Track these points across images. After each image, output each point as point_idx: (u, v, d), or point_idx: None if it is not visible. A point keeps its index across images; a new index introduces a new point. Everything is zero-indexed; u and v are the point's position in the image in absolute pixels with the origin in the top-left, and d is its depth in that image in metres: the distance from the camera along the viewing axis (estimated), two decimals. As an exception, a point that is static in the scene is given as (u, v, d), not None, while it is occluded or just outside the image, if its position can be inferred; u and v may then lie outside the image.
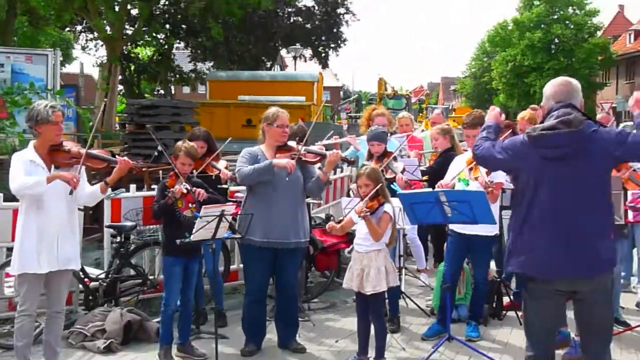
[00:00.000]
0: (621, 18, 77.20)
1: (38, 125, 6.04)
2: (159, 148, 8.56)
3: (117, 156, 6.66)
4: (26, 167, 5.97)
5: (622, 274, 8.96)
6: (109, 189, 6.48)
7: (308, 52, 39.32)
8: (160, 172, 7.77)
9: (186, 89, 44.34)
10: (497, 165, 5.34)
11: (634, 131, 4.89)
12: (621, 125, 31.93)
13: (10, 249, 6.86)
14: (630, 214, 7.43)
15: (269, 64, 39.12)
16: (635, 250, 9.11)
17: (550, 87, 5.00)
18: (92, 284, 7.72)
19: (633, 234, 8.61)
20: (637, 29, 67.97)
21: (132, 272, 8.01)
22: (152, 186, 7.74)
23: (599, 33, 62.90)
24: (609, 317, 5.14)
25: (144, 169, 7.08)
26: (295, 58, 38.07)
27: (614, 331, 7.31)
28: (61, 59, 20.67)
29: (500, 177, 6.97)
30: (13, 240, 6.46)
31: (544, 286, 4.77)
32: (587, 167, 4.71)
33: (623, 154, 4.83)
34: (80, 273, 7.55)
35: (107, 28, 25.53)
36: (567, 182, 4.69)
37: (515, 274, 6.21)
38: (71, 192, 5.92)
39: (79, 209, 6.88)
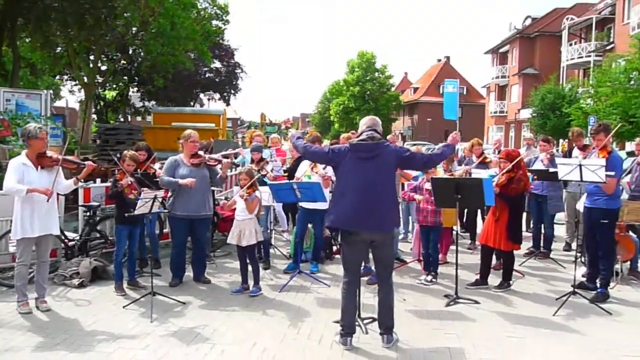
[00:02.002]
0: (406, 80, 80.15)
1: (29, 139, 5.68)
2: (118, 155, 8.24)
3: (90, 161, 6.34)
4: (19, 169, 5.57)
5: (402, 230, 9.34)
6: (80, 182, 6.12)
7: (217, 96, 38.47)
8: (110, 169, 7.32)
9: (138, 118, 42.47)
10: (323, 159, 5.26)
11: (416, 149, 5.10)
12: (405, 144, 33.23)
13: (11, 221, 6.38)
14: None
15: (192, 103, 38.19)
16: (410, 217, 9.46)
17: (363, 120, 5.14)
18: (70, 243, 7.32)
19: (408, 207, 8.96)
20: (415, 86, 70.99)
21: (98, 235, 7.64)
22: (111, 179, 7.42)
23: (393, 88, 64.78)
24: (392, 255, 5.27)
25: (102, 168, 6.73)
26: (209, 99, 37.38)
27: (396, 265, 7.69)
28: (52, 97, 19.50)
29: (331, 172, 7.04)
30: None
31: (354, 237, 4.81)
32: (381, 164, 4.82)
33: (401, 163, 5.07)
34: (62, 236, 7.16)
35: (85, 78, 24.24)
36: (370, 172, 4.76)
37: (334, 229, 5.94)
38: (48, 200, 5.54)
39: (59, 195, 6.49)
